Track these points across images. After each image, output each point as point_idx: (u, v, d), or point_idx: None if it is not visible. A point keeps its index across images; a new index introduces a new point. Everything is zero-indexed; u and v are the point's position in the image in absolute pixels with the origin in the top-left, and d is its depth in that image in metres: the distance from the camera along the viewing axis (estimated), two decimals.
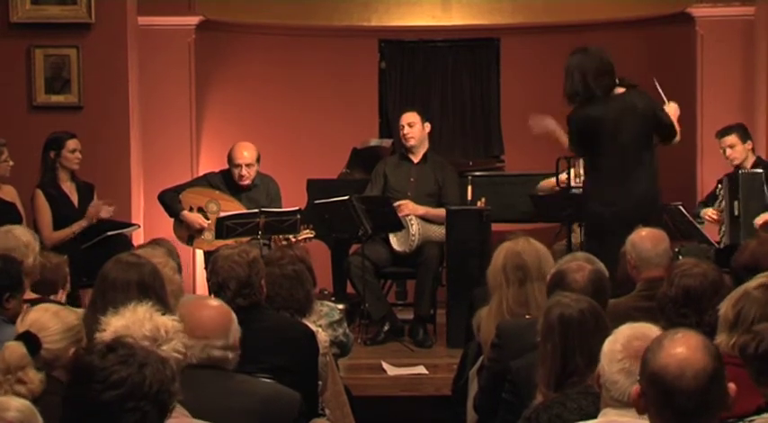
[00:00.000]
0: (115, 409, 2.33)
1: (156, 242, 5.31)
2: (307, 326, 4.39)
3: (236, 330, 3.45)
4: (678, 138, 6.11)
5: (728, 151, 7.13)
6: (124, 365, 2.37)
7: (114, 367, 2.36)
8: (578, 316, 3.41)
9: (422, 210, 7.27)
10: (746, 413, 3.06)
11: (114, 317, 3.10)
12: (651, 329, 3.00)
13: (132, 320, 3.02)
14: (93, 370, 2.37)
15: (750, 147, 7.16)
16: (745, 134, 7.17)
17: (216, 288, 4.24)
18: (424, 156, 7.46)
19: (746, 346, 3.25)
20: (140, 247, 5.34)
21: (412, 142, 7.41)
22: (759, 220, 6.73)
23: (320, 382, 4.53)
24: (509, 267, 4.49)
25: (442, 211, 7.17)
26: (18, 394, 2.96)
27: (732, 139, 7.13)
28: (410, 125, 7.41)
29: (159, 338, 2.97)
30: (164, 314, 3.12)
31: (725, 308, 3.65)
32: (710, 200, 7.28)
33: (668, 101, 6.28)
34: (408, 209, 7.22)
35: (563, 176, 6.74)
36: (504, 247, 4.63)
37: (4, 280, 4.26)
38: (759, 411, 3.08)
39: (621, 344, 2.93)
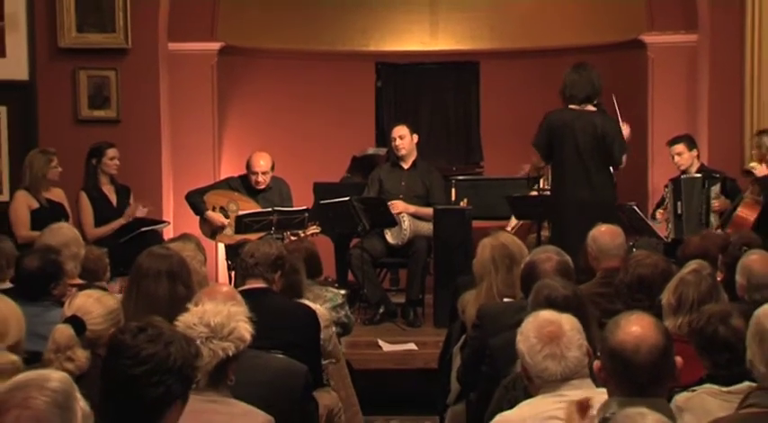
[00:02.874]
0: (143, 383, 2.34)
1: (184, 236, 5.31)
2: (308, 306, 4.39)
3: None
4: (622, 164, 6.14)
5: (677, 158, 7.13)
6: (152, 343, 2.38)
7: (143, 345, 2.38)
8: (563, 298, 3.39)
9: (412, 208, 7.25)
10: (690, 383, 3.07)
11: (211, 299, 3.05)
12: (550, 313, 2.97)
13: (214, 310, 2.90)
14: (125, 347, 2.39)
15: (696, 154, 7.16)
16: (691, 143, 7.18)
17: (238, 262, 4.27)
18: (414, 163, 7.44)
19: (691, 323, 3.26)
20: (172, 240, 5.33)
21: (402, 152, 7.40)
22: None
23: (331, 349, 4.53)
24: (498, 256, 4.52)
25: (429, 210, 7.16)
26: (67, 370, 2.94)
27: (680, 147, 7.14)
28: (401, 137, 7.39)
29: (216, 334, 2.84)
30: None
31: (666, 296, 3.65)
32: (662, 202, 7.30)
33: (622, 121, 6.33)
34: (400, 207, 7.21)
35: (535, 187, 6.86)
36: (487, 241, 4.64)
37: (50, 269, 4.27)
38: (701, 382, 3.09)
39: (534, 336, 2.87)
